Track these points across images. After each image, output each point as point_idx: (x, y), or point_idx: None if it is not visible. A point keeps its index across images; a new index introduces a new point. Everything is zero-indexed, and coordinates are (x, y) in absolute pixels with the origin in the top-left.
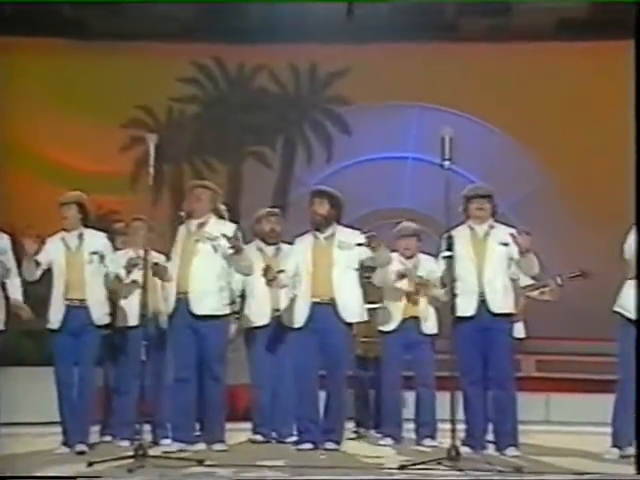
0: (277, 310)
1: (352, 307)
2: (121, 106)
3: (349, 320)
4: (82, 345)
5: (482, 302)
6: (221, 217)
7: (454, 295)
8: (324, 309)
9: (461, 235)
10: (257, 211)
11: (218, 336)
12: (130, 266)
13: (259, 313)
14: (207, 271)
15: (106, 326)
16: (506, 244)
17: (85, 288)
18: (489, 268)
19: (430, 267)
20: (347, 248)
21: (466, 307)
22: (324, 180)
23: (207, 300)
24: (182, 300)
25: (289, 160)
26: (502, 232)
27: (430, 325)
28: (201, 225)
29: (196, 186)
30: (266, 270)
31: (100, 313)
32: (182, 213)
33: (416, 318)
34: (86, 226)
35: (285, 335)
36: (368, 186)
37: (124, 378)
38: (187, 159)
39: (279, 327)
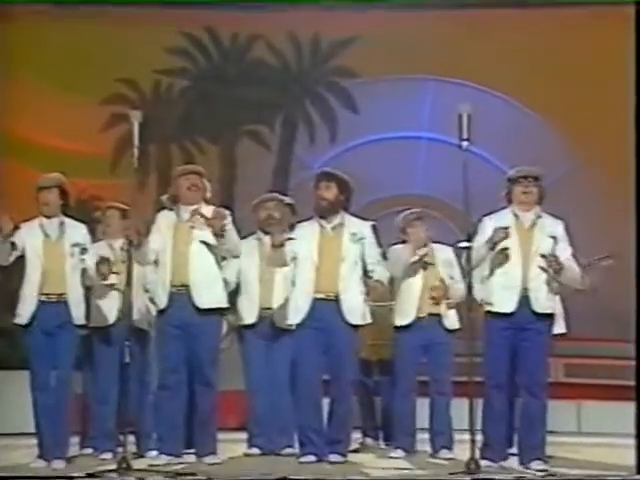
0: (267, 309)
1: (357, 308)
2: (102, 79)
3: (353, 322)
4: (59, 346)
5: (524, 299)
6: (209, 202)
7: (471, 289)
8: (327, 306)
9: (504, 222)
10: (254, 198)
11: (212, 335)
12: (101, 265)
13: (251, 310)
14: (208, 259)
15: (84, 326)
16: (554, 237)
17: (65, 283)
18: (535, 262)
19: (445, 257)
20: (357, 242)
21: (505, 302)
22: (327, 163)
23: (212, 291)
24: (179, 294)
25: (289, 140)
26: (550, 223)
27: (451, 322)
28: (194, 212)
29: (190, 172)
30: (275, 228)
31: (79, 311)
32: (165, 197)
33: (435, 315)
34: (65, 214)
35: (283, 334)
36: (377, 170)
37: (104, 384)
38: (175, 139)
39: (274, 325)
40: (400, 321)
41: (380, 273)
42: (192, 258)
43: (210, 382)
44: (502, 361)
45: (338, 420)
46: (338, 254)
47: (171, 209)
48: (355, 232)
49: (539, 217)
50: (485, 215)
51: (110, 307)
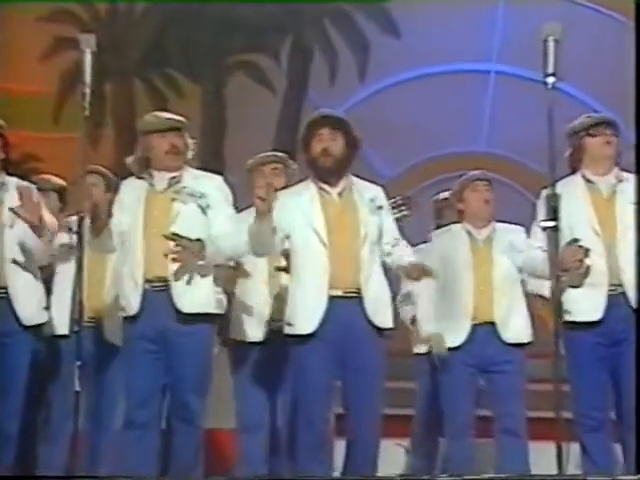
0: (276, 320)
1: (386, 306)
2: None
3: (382, 324)
4: (6, 362)
5: (615, 298)
6: (191, 164)
7: (561, 289)
8: (347, 307)
9: (572, 192)
10: (251, 157)
11: (201, 351)
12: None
13: (251, 320)
14: None
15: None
16: None
17: (4, 268)
18: (625, 245)
19: (511, 240)
20: (376, 212)
21: (588, 307)
22: (355, 108)
23: (201, 289)
24: (156, 293)
25: (300, 76)
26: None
27: (516, 332)
28: (175, 180)
29: (169, 128)
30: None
31: (32, 308)
32: (131, 159)
33: (493, 324)
34: (8, 173)
35: (289, 351)
36: (425, 118)
37: (53, 417)
38: (141, 75)
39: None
40: (448, 339)
41: (397, 258)
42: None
43: (194, 418)
44: (599, 391)
45: (356, 469)
46: (353, 230)
47: (141, 176)
48: (372, 198)
49: (620, 180)
50: (545, 187)
51: (64, 309)
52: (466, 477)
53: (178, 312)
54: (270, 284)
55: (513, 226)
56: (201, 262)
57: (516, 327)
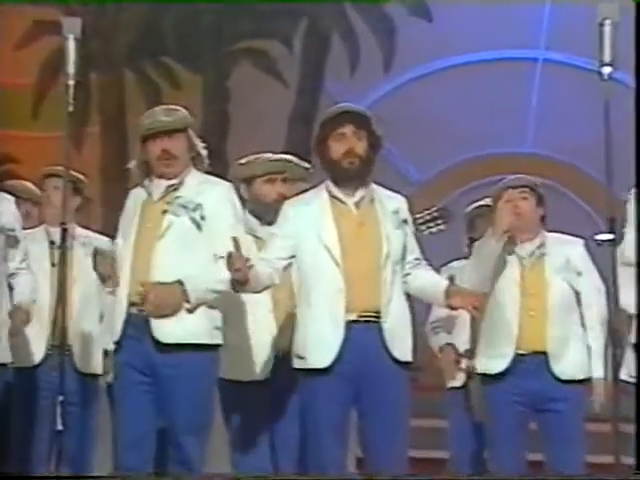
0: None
1: (405, 334)
2: None
3: (401, 357)
4: None
5: None
6: (200, 167)
7: (618, 308)
8: (364, 333)
9: None
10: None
11: (193, 387)
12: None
13: (251, 355)
14: (183, 263)
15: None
16: None
17: None
18: None
19: (570, 255)
20: (401, 226)
21: None
22: (379, 102)
23: (185, 318)
24: (139, 318)
25: (316, 66)
26: None
27: (571, 367)
28: (172, 187)
29: (164, 131)
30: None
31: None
32: (133, 164)
33: (544, 354)
34: None
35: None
36: (461, 114)
37: (26, 459)
38: (132, 64)
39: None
40: (489, 365)
41: (421, 280)
42: (156, 259)
43: (190, 461)
44: None
45: None
46: (375, 247)
47: (141, 184)
48: (396, 209)
49: None
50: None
51: (40, 338)
52: (498, 477)
53: (157, 342)
54: (275, 312)
55: (568, 238)
56: (187, 306)
57: (571, 361)
